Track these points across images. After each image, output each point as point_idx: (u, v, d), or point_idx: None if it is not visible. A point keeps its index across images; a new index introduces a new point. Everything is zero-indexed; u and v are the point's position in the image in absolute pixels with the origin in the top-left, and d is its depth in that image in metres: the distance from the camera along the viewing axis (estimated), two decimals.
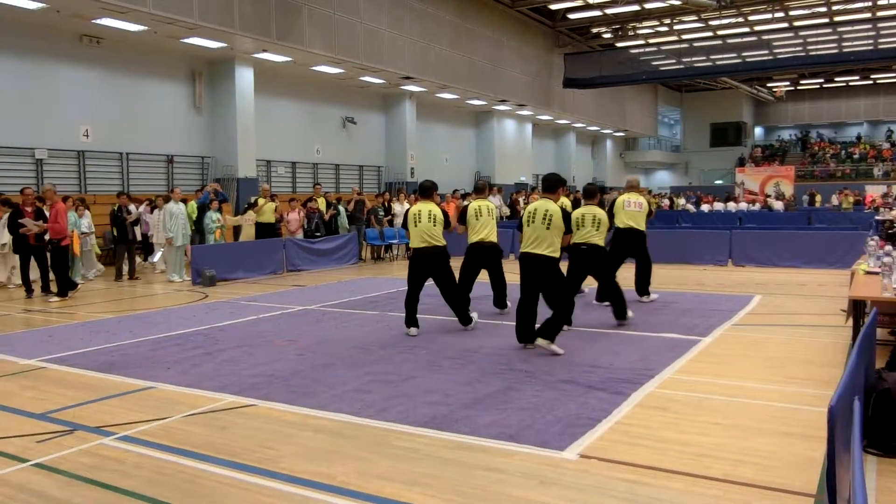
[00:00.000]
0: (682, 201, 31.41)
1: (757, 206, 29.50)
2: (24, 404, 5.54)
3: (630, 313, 8.43)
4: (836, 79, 43.77)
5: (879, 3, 26.56)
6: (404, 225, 8.40)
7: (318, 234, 16.10)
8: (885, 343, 6.70)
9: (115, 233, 13.92)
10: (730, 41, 28.86)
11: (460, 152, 29.52)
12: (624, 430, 4.70)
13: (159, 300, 11.43)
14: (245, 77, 18.95)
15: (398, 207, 18.83)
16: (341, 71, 20.64)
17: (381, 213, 18.11)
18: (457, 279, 8.42)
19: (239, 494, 3.82)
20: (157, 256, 15.20)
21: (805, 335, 7.74)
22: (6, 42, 14.82)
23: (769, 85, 43.96)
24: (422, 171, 25.37)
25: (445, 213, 8.26)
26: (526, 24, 28.66)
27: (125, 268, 13.87)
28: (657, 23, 29.59)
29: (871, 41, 25.76)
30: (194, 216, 15.08)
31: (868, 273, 6.91)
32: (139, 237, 14.81)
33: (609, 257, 10.02)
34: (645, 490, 3.76)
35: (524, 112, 30.90)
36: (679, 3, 25.35)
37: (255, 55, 18.40)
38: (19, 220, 11.51)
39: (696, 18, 29.31)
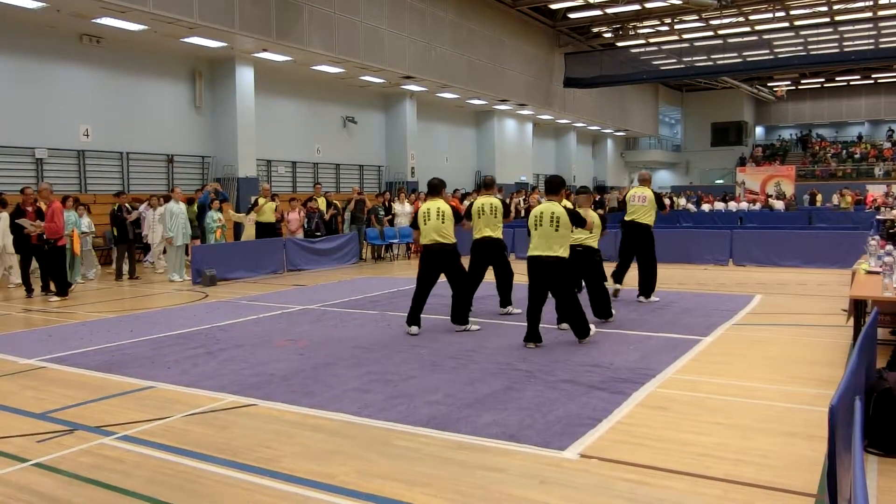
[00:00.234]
0: (682, 201, 31.39)
1: (758, 206, 29.49)
2: (24, 404, 5.54)
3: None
4: (837, 78, 43.78)
5: (880, 2, 26.54)
6: (413, 224, 8.41)
7: (318, 233, 16.10)
8: (886, 343, 6.69)
9: (116, 232, 13.91)
10: (730, 41, 28.86)
11: (461, 152, 29.52)
12: (625, 429, 4.70)
13: (159, 300, 11.43)
14: (245, 76, 18.95)
15: (398, 207, 18.82)
16: (342, 70, 20.64)
17: (382, 212, 18.11)
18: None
19: (239, 494, 3.82)
20: (153, 256, 15.20)
21: (806, 335, 7.73)
22: (6, 41, 14.83)
23: (770, 84, 43.96)
24: (422, 171, 25.37)
25: (455, 209, 8.32)
26: (526, 23, 28.65)
27: (125, 267, 13.86)
28: (658, 22, 29.58)
29: (872, 40, 25.77)
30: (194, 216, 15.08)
31: (869, 273, 6.91)
32: (139, 236, 14.82)
33: (619, 252, 10.05)
34: (646, 490, 3.76)
35: (525, 112, 30.89)
36: (680, 2, 25.32)
37: (256, 55, 18.41)
38: (16, 221, 11.52)
39: (696, 18, 29.29)
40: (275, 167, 21.30)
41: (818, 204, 31.46)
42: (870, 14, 27.38)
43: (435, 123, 27.70)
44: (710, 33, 30.72)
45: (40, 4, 13.67)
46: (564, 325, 8.01)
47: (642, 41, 31.56)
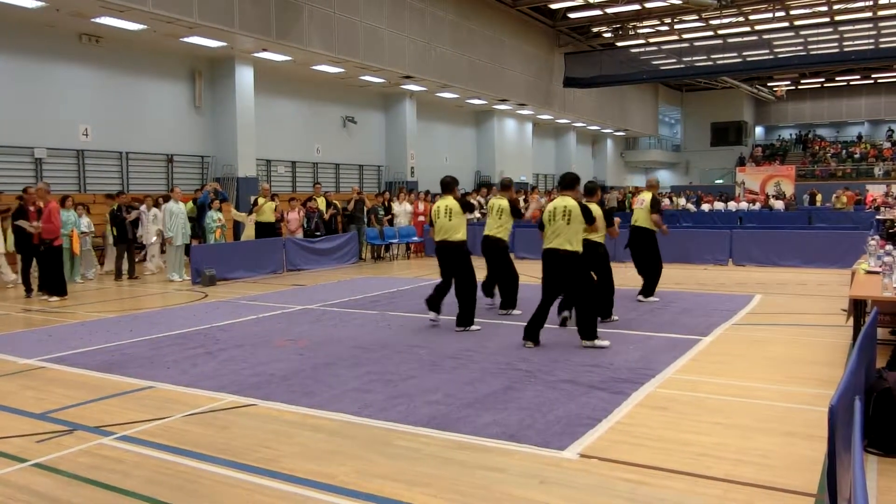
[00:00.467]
0: (682, 201, 31.39)
1: (757, 206, 29.49)
2: (23, 404, 5.53)
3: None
4: (837, 78, 43.77)
5: (880, 2, 26.55)
6: (430, 222, 8.72)
7: (317, 233, 16.10)
8: (886, 343, 6.69)
9: (115, 232, 13.90)
10: (730, 40, 28.85)
11: (461, 152, 29.51)
12: (624, 429, 4.69)
13: (159, 300, 11.43)
14: (245, 76, 18.94)
15: (398, 207, 18.83)
16: (341, 70, 20.63)
17: (382, 212, 18.11)
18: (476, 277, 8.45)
19: (239, 494, 3.81)
20: (152, 256, 15.17)
21: (806, 335, 7.73)
22: (5, 41, 14.82)
23: (770, 84, 43.96)
24: (422, 171, 25.37)
25: (463, 202, 8.45)
26: (526, 23, 28.65)
27: (125, 267, 13.85)
28: (658, 22, 29.57)
29: (871, 40, 25.76)
30: (192, 216, 15.04)
31: (868, 272, 6.91)
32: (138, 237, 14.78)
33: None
34: (645, 490, 3.76)
35: (524, 111, 30.89)
36: (679, 2, 25.31)
37: (256, 54, 18.40)
38: (15, 223, 11.53)
39: (696, 18, 29.29)
40: (274, 167, 21.30)
41: (818, 204, 31.46)
42: (870, 14, 27.39)
43: (435, 123, 27.69)
44: (710, 33, 30.72)
45: (39, 4, 13.65)
46: (566, 313, 8.05)
47: (642, 41, 31.56)
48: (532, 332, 7.24)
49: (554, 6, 27.49)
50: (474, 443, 4.48)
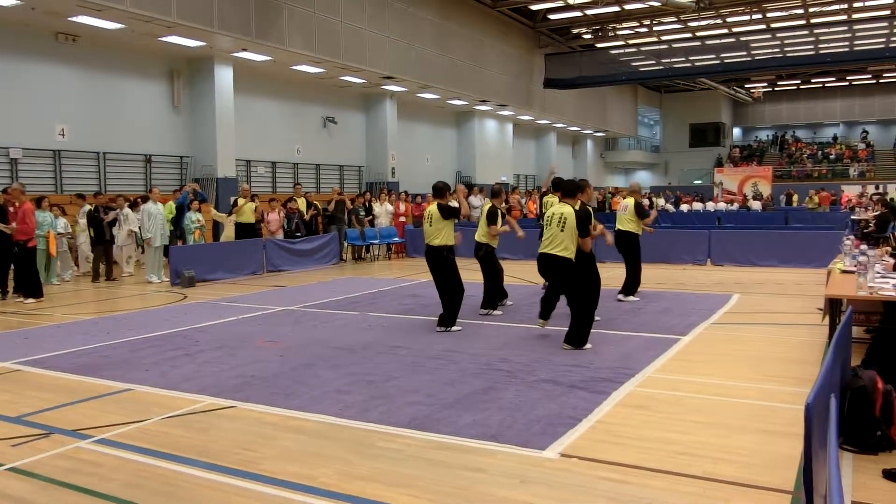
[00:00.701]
0: (661, 201, 31.64)
1: (735, 206, 29.80)
2: None
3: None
4: (813, 80, 44.34)
5: (855, 5, 26.94)
6: None
7: (298, 234, 16.02)
8: (861, 341, 6.78)
9: (92, 233, 13.72)
10: (708, 42, 29.11)
11: (441, 152, 29.51)
12: (605, 429, 4.72)
13: (137, 301, 11.31)
14: (224, 76, 18.80)
15: (379, 208, 18.78)
16: (322, 70, 20.56)
17: (362, 213, 18.06)
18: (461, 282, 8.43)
19: (219, 497, 3.79)
20: (128, 258, 14.97)
21: (783, 333, 7.82)
22: None
23: (747, 86, 44.45)
24: (402, 171, 25.34)
25: (443, 207, 8.23)
26: (507, 24, 28.72)
27: (102, 268, 13.69)
28: (637, 24, 29.79)
29: (846, 43, 26.13)
30: (171, 216, 14.87)
31: (844, 272, 7.00)
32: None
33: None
34: (626, 489, 3.78)
35: (505, 112, 30.96)
36: (658, 4, 25.53)
37: (235, 54, 18.27)
38: None
39: (675, 20, 29.54)
40: (254, 167, 21.16)
41: (794, 204, 31.86)
42: (844, 17, 27.79)
43: (415, 124, 27.67)
44: (689, 35, 30.99)
45: (14, 2, 13.45)
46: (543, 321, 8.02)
47: (621, 42, 31.77)
48: (545, 312, 7.84)
49: (534, 7, 27.60)
50: (455, 443, 4.49)
